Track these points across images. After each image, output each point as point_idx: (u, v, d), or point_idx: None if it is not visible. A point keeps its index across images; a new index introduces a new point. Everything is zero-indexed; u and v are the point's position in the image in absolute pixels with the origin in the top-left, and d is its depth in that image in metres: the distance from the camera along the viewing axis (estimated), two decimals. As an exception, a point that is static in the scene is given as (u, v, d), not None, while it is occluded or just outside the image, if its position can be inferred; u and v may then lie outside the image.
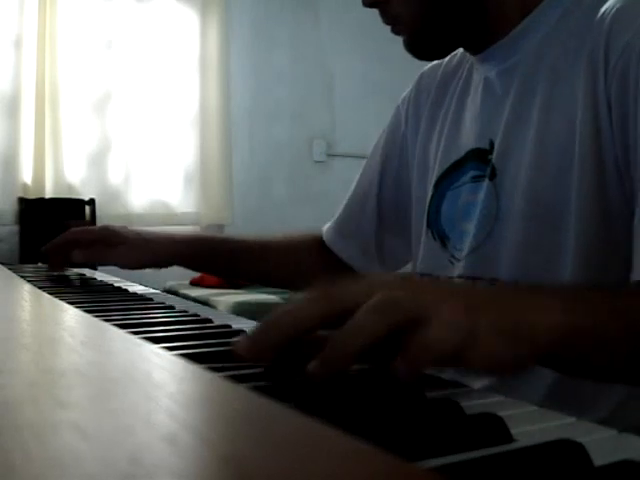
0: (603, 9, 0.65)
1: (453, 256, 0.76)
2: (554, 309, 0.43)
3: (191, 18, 3.34)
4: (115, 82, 3.13)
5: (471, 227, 0.73)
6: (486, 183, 0.72)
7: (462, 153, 0.77)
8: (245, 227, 3.37)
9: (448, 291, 0.43)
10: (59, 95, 2.97)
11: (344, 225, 0.98)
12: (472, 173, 0.75)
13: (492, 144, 0.73)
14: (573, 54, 0.66)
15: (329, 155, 3.73)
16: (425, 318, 0.36)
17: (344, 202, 0.99)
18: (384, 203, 0.93)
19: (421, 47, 0.74)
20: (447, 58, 0.88)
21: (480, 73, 0.78)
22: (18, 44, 2.90)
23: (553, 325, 0.41)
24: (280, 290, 2.55)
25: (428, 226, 0.81)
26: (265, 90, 3.58)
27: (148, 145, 3.20)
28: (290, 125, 3.63)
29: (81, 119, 3.04)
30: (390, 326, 0.36)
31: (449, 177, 0.79)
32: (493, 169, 0.72)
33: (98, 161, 3.10)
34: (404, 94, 0.94)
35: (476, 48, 0.75)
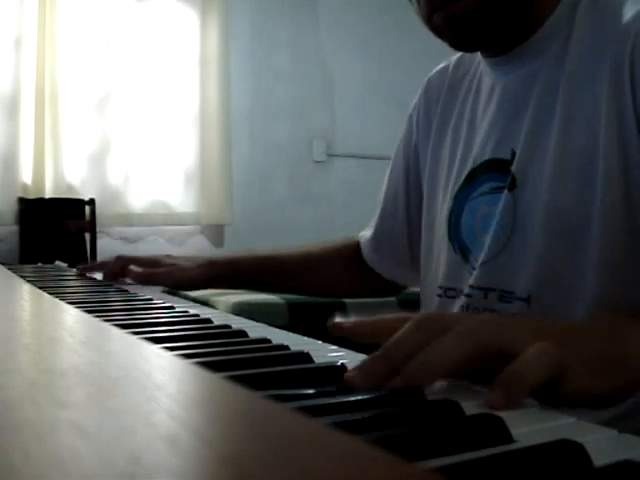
0: (625, 16, 0.63)
1: (474, 268, 0.74)
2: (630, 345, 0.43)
3: (191, 18, 3.34)
4: (115, 82, 3.13)
5: (488, 239, 0.72)
6: (505, 194, 0.70)
7: (478, 163, 0.75)
8: (245, 227, 3.37)
9: (539, 327, 0.44)
10: (59, 95, 2.97)
11: (379, 242, 0.98)
12: (491, 184, 0.73)
13: (513, 154, 0.71)
14: (593, 60, 0.65)
15: (329, 155, 3.73)
16: (519, 349, 0.37)
17: (375, 217, 0.99)
18: (414, 216, 0.92)
19: (483, 25, 0.68)
20: (452, 63, 0.87)
21: (494, 78, 0.75)
22: (18, 44, 2.90)
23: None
24: (280, 290, 2.55)
25: (449, 239, 0.79)
26: (265, 90, 3.58)
27: (148, 145, 3.20)
28: (290, 125, 3.63)
29: (81, 119, 3.04)
30: (474, 353, 0.37)
31: (466, 188, 0.77)
32: (513, 179, 0.70)
33: (98, 161, 3.10)
34: (414, 101, 0.92)
35: (498, 49, 0.73)
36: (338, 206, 3.66)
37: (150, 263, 0.97)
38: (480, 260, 0.72)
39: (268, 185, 3.58)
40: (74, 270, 1.17)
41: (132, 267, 0.97)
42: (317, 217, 3.59)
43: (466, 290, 0.74)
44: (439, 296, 0.80)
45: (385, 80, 3.68)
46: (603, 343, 0.43)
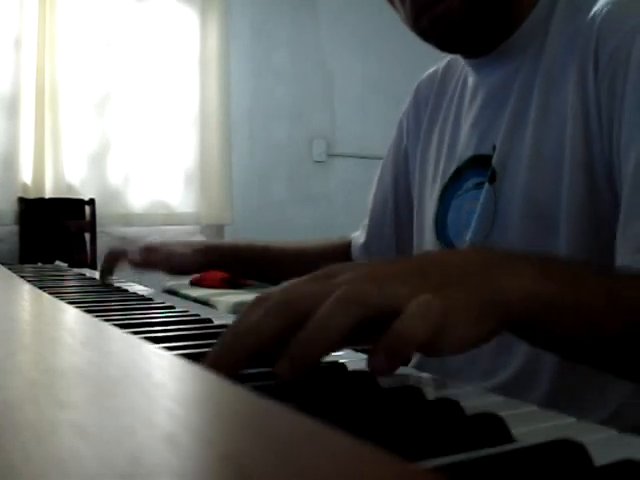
0: (592, 12, 0.65)
1: None
2: (532, 276, 0.41)
3: (191, 18, 3.34)
4: (115, 82, 3.13)
5: (470, 232, 0.73)
6: (486, 187, 0.72)
7: (462, 160, 0.77)
8: (245, 227, 3.37)
9: (417, 272, 0.40)
10: (59, 95, 2.97)
11: (368, 247, 0.99)
12: (474, 180, 0.75)
13: (494, 148, 0.72)
14: (565, 56, 0.67)
15: (329, 155, 3.73)
16: (394, 309, 0.36)
17: (365, 220, 1.00)
18: (403, 221, 0.93)
19: (469, 25, 0.69)
20: (441, 67, 0.88)
21: (477, 79, 0.77)
22: (18, 44, 2.90)
23: (528, 295, 0.40)
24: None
25: (437, 239, 0.80)
26: (265, 90, 3.58)
27: (148, 145, 3.20)
28: (290, 125, 3.63)
29: (81, 119, 3.04)
30: (356, 320, 0.35)
31: (452, 186, 0.78)
32: (493, 172, 0.72)
33: (98, 161, 3.10)
34: (404, 107, 0.94)
35: (480, 50, 0.75)
36: (338, 206, 3.66)
37: (147, 250, 0.97)
38: None
39: (268, 185, 3.58)
40: (74, 270, 1.16)
41: (129, 254, 0.97)
42: (317, 217, 3.60)
43: None
44: None
45: (385, 80, 3.68)
46: (481, 282, 0.40)
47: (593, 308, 0.43)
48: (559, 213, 0.65)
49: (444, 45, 0.74)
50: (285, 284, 0.40)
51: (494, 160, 0.72)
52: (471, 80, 0.79)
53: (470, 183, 0.76)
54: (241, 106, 3.49)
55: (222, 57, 3.38)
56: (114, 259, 0.99)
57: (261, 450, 0.20)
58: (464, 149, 0.77)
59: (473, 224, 0.73)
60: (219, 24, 3.38)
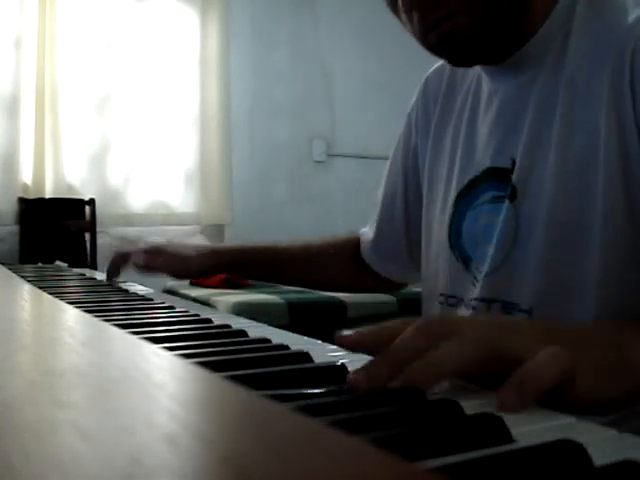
0: (625, 21, 0.62)
1: (475, 278, 0.74)
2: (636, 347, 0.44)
3: (191, 18, 3.34)
4: (115, 82, 3.13)
5: (491, 249, 0.71)
6: (506, 204, 0.69)
7: (479, 170, 0.75)
8: (245, 227, 3.37)
9: (543, 330, 0.44)
10: (59, 95, 2.97)
11: (378, 244, 0.98)
12: (492, 193, 0.73)
13: (514, 162, 0.70)
14: (592, 67, 0.64)
15: (329, 155, 3.73)
16: (523, 353, 0.38)
17: (375, 217, 0.98)
18: (412, 217, 0.92)
19: (481, 40, 0.67)
20: None
21: (492, 86, 0.74)
22: (18, 44, 2.90)
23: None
24: (280, 290, 2.56)
25: (451, 247, 0.78)
26: (265, 90, 3.58)
27: (148, 145, 3.20)
28: (290, 125, 3.63)
29: (81, 119, 3.04)
30: (488, 355, 0.39)
31: (468, 196, 0.76)
32: (514, 190, 0.69)
33: (98, 161, 3.10)
34: (412, 101, 0.91)
35: (494, 60, 0.72)
36: (338, 206, 3.66)
37: (152, 252, 0.97)
38: (483, 272, 0.72)
39: (268, 185, 3.58)
40: (73, 270, 1.17)
41: (133, 257, 0.97)
42: (317, 217, 3.59)
43: (469, 301, 0.74)
44: (441, 303, 0.80)
45: (385, 80, 3.68)
46: (607, 349, 0.43)
47: None
48: (590, 235, 0.62)
49: (455, 60, 0.71)
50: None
51: (514, 177, 0.69)
52: (486, 86, 0.76)
53: (487, 196, 0.73)
54: (241, 106, 3.48)
55: (222, 57, 3.38)
56: (120, 260, 0.99)
57: (261, 451, 0.20)
58: (480, 158, 0.75)
59: (494, 243, 0.70)
60: (219, 24, 3.37)
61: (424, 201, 0.86)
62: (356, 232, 1.04)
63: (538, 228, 0.66)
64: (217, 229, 3.42)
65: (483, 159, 0.74)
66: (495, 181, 0.72)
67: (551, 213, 0.65)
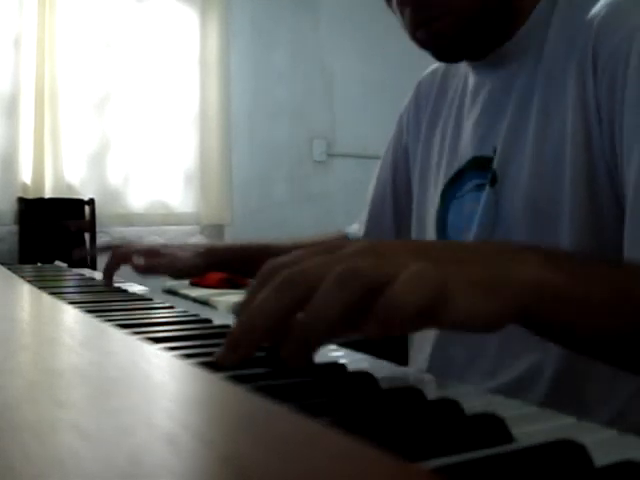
0: (592, 12, 0.65)
1: None
2: (541, 265, 0.40)
3: (191, 18, 3.34)
4: (115, 82, 3.13)
5: (472, 234, 0.73)
6: (486, 190, 0.72)
7: (463, 162, 0.77)
8: (245, 227, 3.37)
9: (418, 249, 0.40)
10: (58, 95, 2.96)
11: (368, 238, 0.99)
12: (475, 181, 0.75)
13: (495, 150, 0.73)
14: (564, 57, 0.67)
15: (329, 155, 3.73)
16: (389, 281, 0.35)
17: (364, 216, 1.00)
18: (402, 217, 0.93)
19: (465, 39, 0.70)
20: (443, 65, 0.88)
21: (478, 80, 0.77)
22: (18, 44, 2.90)
23: (535, 282, 0.39)
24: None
25: (438, 238, 0.80)
26: (265, 90, 3.58)
27: (148, 145, 3.20)
28: (290, 125, 3.63)
29: (81, 119, 3.04)
30: (352, 299, 0.35)
31: (452, 187, 0.79)
32: (494, 175, 0.72)
33: (98, 161, 3.10)
34: (405, 102, 0.94)
35: (480, 55, 0.75)
36: (338, 206, 3.66)
37: (150, 253, 0.97)
38: None
39: (268, 185, 3.58)
40: (73, 270, 1.16)
41: (133, 259, 0.98)
42: (317, 217, 3.59)
43: None
44: None
45: (385, 80, 3.68)
46: (486, 264, 0.39)
47: (600, 301, 0.42)
48: (561, 213, 0.65)
49: (441, 57, 0.75)
50: (291, 256, 0.41)
51: (495, 163, 0.72)
52: (472, 81, 0.79)
53: (471, 185, 0.76)
54: (241, 106, 3.48)
55: (222, 57, 3.38)
56: (115, 265, 0.99)
57: (261, 451, 0.20)
58: (465, 150, 0.77)
59: (474, 226, 0.73)
60: (219, 24, 3.37)
61: (415, 199, 0.87)
62: (344, 230, 1.05)
63: (517, 210, 0.68)
64: (217, 229, 3.42)
65: (467, 151, 0.77)
66: (478, 170, 0.75)
67: (528, 197, 0.67)
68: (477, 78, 0.77)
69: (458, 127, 0.80)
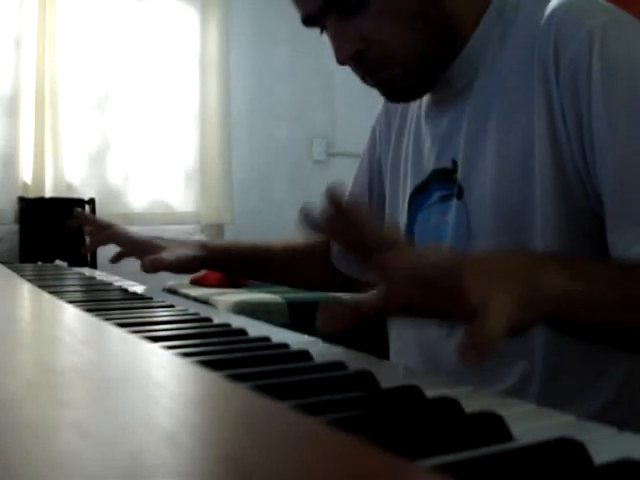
0: (545, 16, 0.65)
1: None
2: (560, 275, 0.49)
3: (191, 17, 3.34)
4: (115, 81, 3.13)
5: (445, 247, 0.73)
6: (454, 202, 0.73)
7: (426, 174, 0.78)
8: (245, 227, 3.37)
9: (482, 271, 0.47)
10: (59, 94, 2.96)
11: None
12: (439, 193, 0.76)
13: (455, 163, 0.73)
14: (523, 66, 0.67)
15: (329, 155, 3.72)
16: (471, 291, 0.43)
17: None
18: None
19: (412, 82, 0.72)
20: None
21: (432, 95, 0.78)
22: (18, 44, 2.90)
23: (560, 292, 0.48)
24: (280, 290, 2.56)
25: None
26: (265, 89, 3.58)
27: (148, 144, 3.20)
28: (290, 125, 3.63)
29: (81, 118, 3.04)
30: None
31: (417, 199, 0.80)
32: (460, 188, 0.72)
33: (98, 160, 3.09)
34: (377, 114, 0.95)
35: (430, 86, 0.75)
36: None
37: (148, 249, 0.96)
38: None
39: (268, 185, 3.58)
40: (74, 269, 1.17)
41: (132, 250, 0.99)
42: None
43: None
44: None
45: (385, 79, 3.68)
46: (522, 278, 0.47)
47: (609, 301, 0.51)
48: (532, 216, 0.66)
49: (390, 99, 0.76)
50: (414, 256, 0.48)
51: (459, 176, 0.72)
52: (427, 96, 0.79)
53: (435, 196, 0.76)
54: (241, 106, 3.48)
55: (222, 57, 3.38)
56: (102, 241, 1.00)
57: (261, 450, 0.20)
58: (427, 162, 0.78)
59: (449, 240, 0.73)
60: (219, 24, 3.37)
61: (387, 210, 0.88)
62: None
63: (486, 220, 0.70)
64: (217, 228, 3.42)
65: (428, 163, 0.78)
66: (441, 181, 0.76)
67: (496, 204, 0.69)
68: (431, 94, 0.78)
69: (419, 139, 0.81)
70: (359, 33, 0.67)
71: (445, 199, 0.75)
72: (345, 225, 0.53)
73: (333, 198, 0.51)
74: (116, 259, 1.03)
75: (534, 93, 0.65)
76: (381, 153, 0.92)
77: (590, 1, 0.66)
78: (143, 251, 0.95)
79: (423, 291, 0.45)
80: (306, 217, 0.52)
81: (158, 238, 0.99)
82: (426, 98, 0.79)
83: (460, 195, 0.72)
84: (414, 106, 0.84)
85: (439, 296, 0.45)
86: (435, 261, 0.47)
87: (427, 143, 0.79)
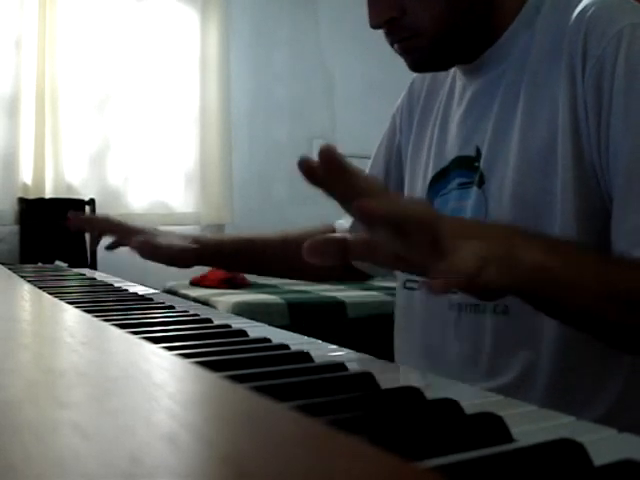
0: (577, 11, 0.67)
1: None
2: (541, 252, 0.50)
3: (191, 18, 3.34)
4: (115, 82, 3.12)
5: None
6: (474, 190, 0.73)
7: (447, 161, 0.79)
8: (245, 227, 3.36)
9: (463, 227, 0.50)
10: (59, 95, 2.96)
11: (356, 231, 0.98)
12: (458, 180, 0.76)
13: (478, 151, 0.74)
14: (551, 57, 0.68)
15: (329, 155, 3.72)
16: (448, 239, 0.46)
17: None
18: None
19: (439, 56, 0.73)
20: None
21: (465, 82, 0.79)
22: (18, 44, 2.90)
23: (537, 266, 0.49)
24: (280, 291, 2.56)
25: None
26: (265, 90, 3.58)
27: (148, 145, 3.20)
28: (290, 125, 3.63)
29: (81, 119, 3.04)
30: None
31: (437, 185, 0.80)
32: (481, 176, 0.73)
33: (98, 161, 3.09)
34: (398, 102, 0.95)
35: (467, 58, 0.76)
36: (338, 206, 3.65)
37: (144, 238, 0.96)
38: None
39: (268, 185, 3.58)
40: (73, 270, 1.17)
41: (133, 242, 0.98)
42: (317, 217, 3.59)
43: None
44: (408, 289, 0.83)
45: (385, 80, 3.68)
46: (504, 244, 0.49)
47: (590, 288, 0.52)
48: (550, 210, 0.66)
49: (415, 69, 0.77)
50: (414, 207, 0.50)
51: (481, 164, 0.73)
52: (460, 82, 0.80)
53: (454, 183, 0.77)
54: (241, 106, 3.48)
55: (222, 57, 3.38)
56: (103, 229, 0.99)
57: (261, 450, 0.20)
58: (450, 150, 0.79)
59: None
60: (219, 24, 3.37)
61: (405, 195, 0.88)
62: (332, 224, 1.05)
63: (506, 210, 0.70)
64: (217, 229, 3.42)
65: (452, 150, 0.79)
66: (462, 169, 0.77)
67: (516, 195, 0.69)
68: (464, 80, 0.79)
69: (444, 127, 0.82)
70: (399, 1, 0.69)
71: (464, 186, 0.75)
72: (336, 176, 0.54)
73: (327, 152, 0.52)
74: (112, 247, 1.02)
75: (560, 88, 0.67)
76: (401, 140, 0.92)
77: (622, 0, 0.67)
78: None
79: (402, 239, 0.46)
80: (304, 164, 0.54)
81: (154, 228, 0.99)
82: (459, 84, 0.80)
83: (481, 183, 0.73)
84: (442, 94, 0.85)
85: (417, 246, 0.46)
86: (414, 210, 0.48)
87: (453, 130, 0.79)
